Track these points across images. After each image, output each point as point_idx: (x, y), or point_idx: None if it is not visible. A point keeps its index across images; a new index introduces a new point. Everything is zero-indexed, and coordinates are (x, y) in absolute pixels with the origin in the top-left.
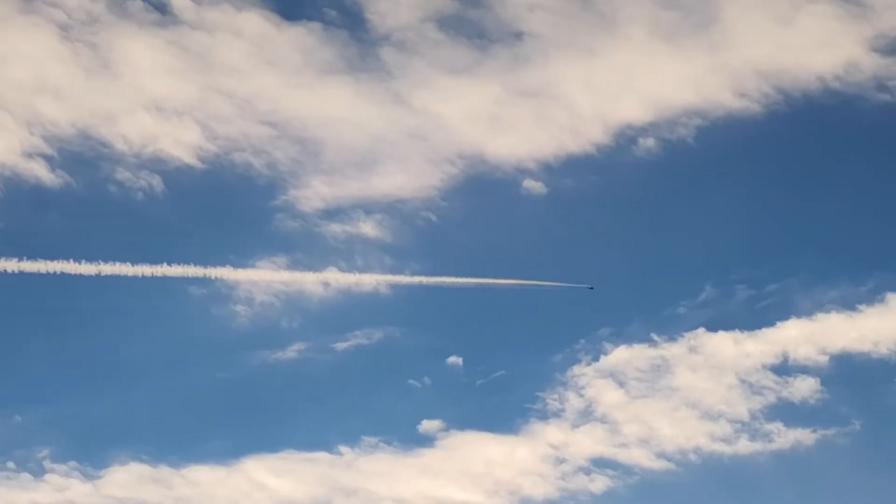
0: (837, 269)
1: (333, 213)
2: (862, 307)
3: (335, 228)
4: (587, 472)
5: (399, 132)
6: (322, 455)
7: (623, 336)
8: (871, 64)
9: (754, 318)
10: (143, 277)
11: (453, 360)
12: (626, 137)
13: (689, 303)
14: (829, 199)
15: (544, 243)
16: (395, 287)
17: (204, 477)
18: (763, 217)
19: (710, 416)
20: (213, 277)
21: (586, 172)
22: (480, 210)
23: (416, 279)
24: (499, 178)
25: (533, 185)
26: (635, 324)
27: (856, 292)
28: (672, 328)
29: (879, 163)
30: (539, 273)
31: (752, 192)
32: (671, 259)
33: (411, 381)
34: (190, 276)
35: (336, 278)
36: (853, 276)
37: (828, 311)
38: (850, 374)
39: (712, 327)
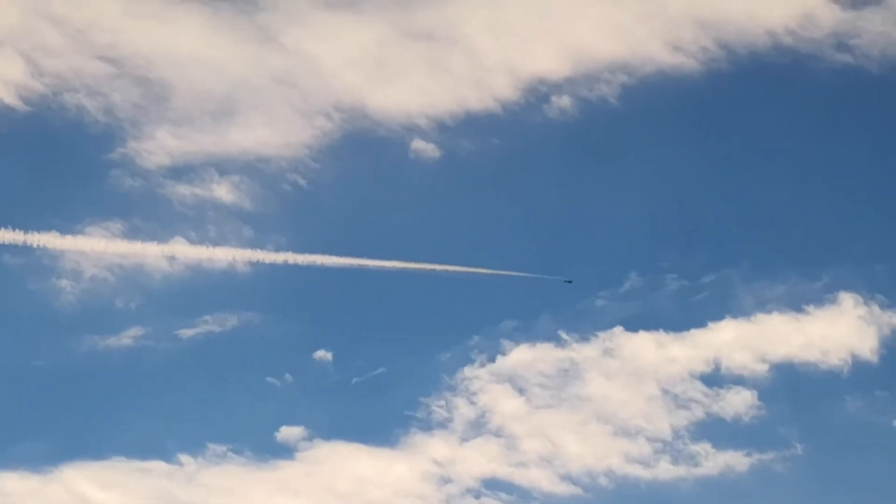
0: (783, 260)
1: (182, 171)
2: (810, 308)
3: (183, 190)
4: (477, 494)
5: (264, 76)
6: (158, 465)
7: (526, 333)
8: (829, 18)
9: (683, 317)
10: None
11: (321, 354)
12: (538, 94)
13: (608, 295)
14: (776, 177)
15: (436, 217)
16: (254, 265)
17: (13, 486)
18: (698, 195)
19: (626, 432)
20: (32, 245)
21: (489, 134)
22: (360, 175)
23: (281, 256)
24: (383, 137)
25: (424, 147)
26: (542, 319)
27: (804, 290)
28: (585, 325)
29: (836, 135)
30: (428, 254)
31: (687, 163)
32: (588, 241)
33: (270, 379)
34: (5, 242)
35: (183, 251)
36: (802, 271)
37: (769, 312)
38: (792, 387)
39: (632, 326)
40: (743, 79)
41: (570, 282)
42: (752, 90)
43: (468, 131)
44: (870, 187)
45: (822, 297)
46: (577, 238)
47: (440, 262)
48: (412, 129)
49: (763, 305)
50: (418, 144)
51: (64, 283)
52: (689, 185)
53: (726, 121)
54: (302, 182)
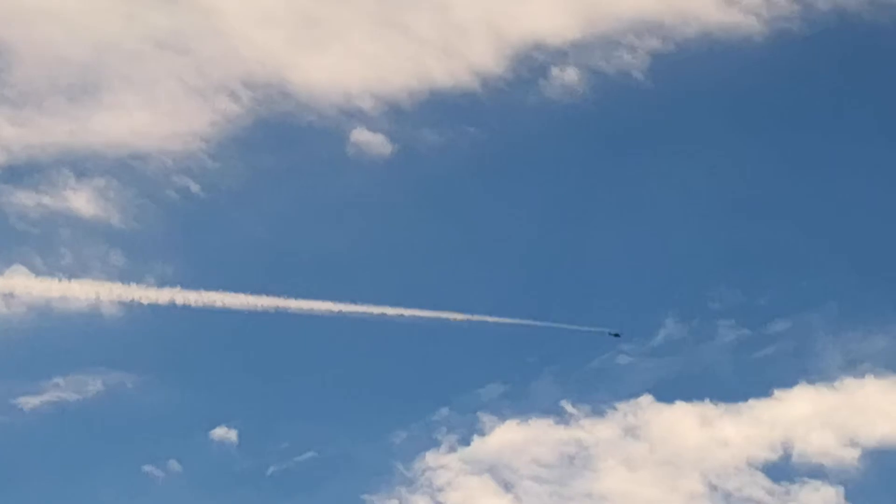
0: (887, 301)
1: (23, 172)
2: None
3: (25, 199)
4: None
5: (143, 39)
6: None
7: (516, 403)
8: None
9: (740, 382)
10: None
11: (222, 432)
12: (533, 65)
13: (633, 349)
14: (875, 182)
15: (386, 239)
16: (127, 305)
17: None
18: (762, 208)
19: None
20: None
21: (462, 121)
22: (278, 178)
23: (165, 294)
24: (311, 125)
25: (369, 140)
26: (539, 383)
27: None
28: (600, 393)
29: None
30: (375, 292)
31: (745, 163)
32: (605, 274)
33: (147, 468)
34: None
35: (25, 286)
36: None
37: (863, 375)
38: (890, 475)
39: (667, 394)
40: (827, 45)
41: (617, 335)
42: (840, 62)
43: (433, 117)
44: None
45: None
46: (588, 269)
47: (392, 304)
48: (352, 114)
49: (855, 366)
50: (361, 135)
51: None
52: (749, 195)
53: (802, 104)
54: (195, 188)
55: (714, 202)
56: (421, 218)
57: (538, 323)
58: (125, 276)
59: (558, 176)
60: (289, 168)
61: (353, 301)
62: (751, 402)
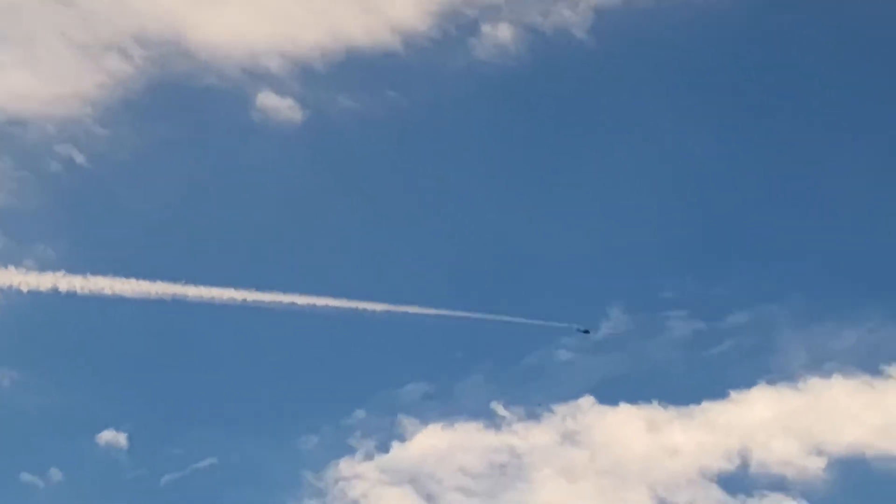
0: (853, 294)
1: None
2: (892, 369)
3: None
4: None
5: None
6: None
7: (442, 405)
8: None
9: (693, 382)
10: None
11: (110, 436)
12: (461, 22)
13: (574, 344)
14: (845, 164)
15: (297, 216)
16: (4, 293)
17: None
18: (719, 189)
19: None
20: None
21: (382, 85)
22: (175, 147)
23: (47, 279)
24: (211, 88)
25: (277, 104)
26: (467, 379)
27: (885, 340)
28: (536, 394)
29: None
30: (284, 278)
31: (700, 137)
32: (543, 259)
33: (27, 476)
34: None
35: None
36: (882, 310)
37: (829, 375)
38: (865, 494)
39: (610, 395)
40: (792, 5)
41: (586, 331)
42: (805, 24)
43: (348, 80)
44: None
45: None
46: (524, 253)
47: (303, 292)
48: (258, 76)
49: (821, 364)
50: (268, 99)
51: None
52: (706, 172)
53: (765, 72)
54: (81, 159)
55: (666, 180)
56: (335, 194)
57: (471, 315)
58: (1, 259)
59: (490, 148)
60: (187, 137)
61: (260, 289)
62: (704, 404)
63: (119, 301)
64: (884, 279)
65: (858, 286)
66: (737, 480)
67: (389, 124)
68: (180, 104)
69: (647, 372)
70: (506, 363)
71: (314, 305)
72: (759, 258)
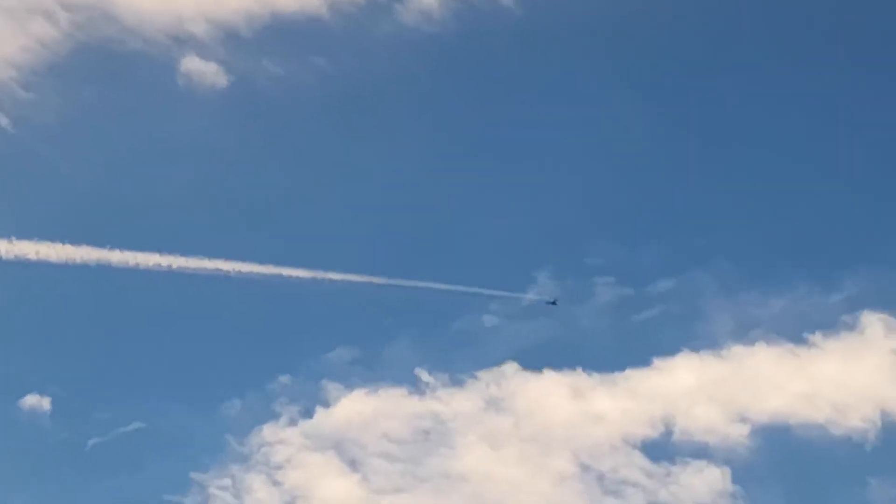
0: (778, 262)
1: None
2: (816, 338)
3: None
4: None
5: None
6: None
7: (367, 370)
8: None
9: (617, 349)
10: None
11: (34, 401)
12: None
13: (499, 310)
14: (776, 138)
15: (223, 185)
16: None
17: None
18: (649, 157)
19: None
20: None
21: (306, 51)
22: (99, 112)
23: None
24: (137, 53)
25: (202, 69)
26: (394, 345)
27: (808, 309)
28: (460, 360)
29: (874, 76)
30: (210, 244)
31: (631, 107)
32: (469, 224)
33: None
34: None
35: None
36: (806, 278)
37: (752, 343)
38: (786, 462)
39: (534, 361)
40: None
41: (553, 303)
42: None
43: (274, 46)
44: None
45: (836, 319)
46: (450, 219)
47: (229, 258)
48: (184, 41)
49: (744, 333)
50: (193, 64)
51: None
52: (632, 140)
53: (692, 40)
54: (4, 122)
55: (593, 147)
56: (260, 160)
57: (402, 282)
58: None
59: (417, 115)
60: (112, 101)
61: (185, 254)
62: (628, 371)
63: (44, 265)
64: (811, 248)
65: (785, 254)
66: (660, 447)
67: (315, 90)
68: (106, 68)
69: (572, 338)
70: (434, 329)
71: (240, 272)
72: (687, 225)
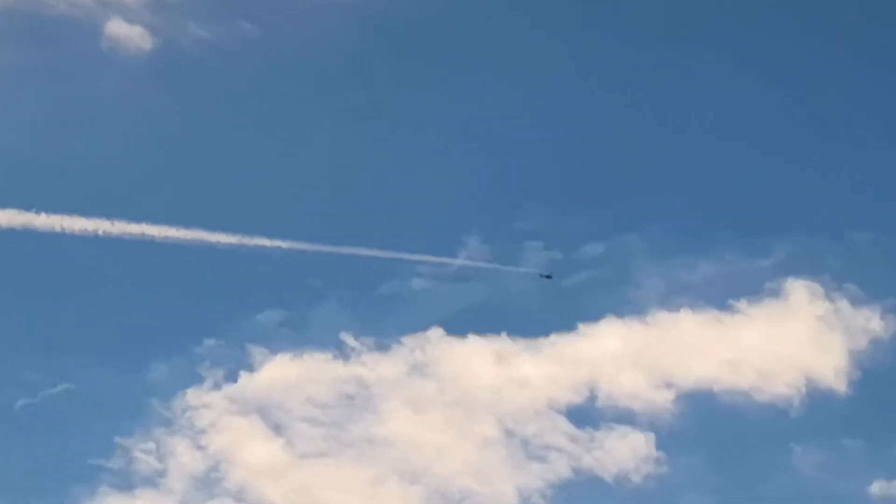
0: (704, 227)
1: None
2: (741, 304)
3: None
4: None
5: None
6: None
7: (292, 333)
8: None
9: (542, 314)
10: None
11: None
12: None
13: (427, 271)
14: (701, 101)
15: (148, 149)
16: None
17: None
18: (577, 119)
19: (446, 498)
20: None
21: (232, 14)
22: (22, 75)
23: None
24: (61, 16)
25: (126, 33)
26: (321, 308)
27: (733, 275)
28: (385, 324)
29: (810, 35)
30: (134, 208)
31: (561, 63)
32: (397, 181)
33: None
34: None
35: None
36: (732, 244)
37: (677, 309)
38: (711, 428)
39: (459, 326)
40: None
41: (548, 277)
42: None
43: (199, 8)
44: (841, 122)
45: (761, 286)
46: (379, 183)
47: (154, 222)
48: (108, 3)
49: (668, 298)
50: (118, 27)
51: None
52: (562, 104)
53: (624, 3)
54: None
55: (522, 111)
56: (186, 124)
57: (331, 249)
58: None
59: (345, 78)
60: (34, 65)
61: (109, 218)
62: (553, 337)
63: None
64: (741, 213)
65: (716, 220)
66: (585, 412)
67: (241, 54)
68: (29, 31)
69: (498, 303)
70: (361, 292)
71: (166, 236)
72: (617, 189)
